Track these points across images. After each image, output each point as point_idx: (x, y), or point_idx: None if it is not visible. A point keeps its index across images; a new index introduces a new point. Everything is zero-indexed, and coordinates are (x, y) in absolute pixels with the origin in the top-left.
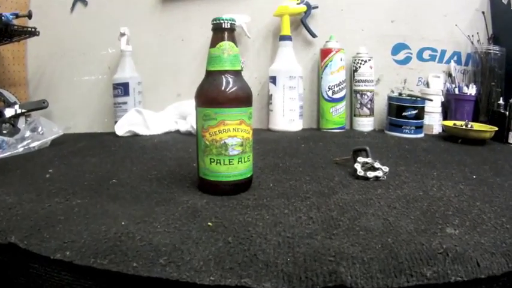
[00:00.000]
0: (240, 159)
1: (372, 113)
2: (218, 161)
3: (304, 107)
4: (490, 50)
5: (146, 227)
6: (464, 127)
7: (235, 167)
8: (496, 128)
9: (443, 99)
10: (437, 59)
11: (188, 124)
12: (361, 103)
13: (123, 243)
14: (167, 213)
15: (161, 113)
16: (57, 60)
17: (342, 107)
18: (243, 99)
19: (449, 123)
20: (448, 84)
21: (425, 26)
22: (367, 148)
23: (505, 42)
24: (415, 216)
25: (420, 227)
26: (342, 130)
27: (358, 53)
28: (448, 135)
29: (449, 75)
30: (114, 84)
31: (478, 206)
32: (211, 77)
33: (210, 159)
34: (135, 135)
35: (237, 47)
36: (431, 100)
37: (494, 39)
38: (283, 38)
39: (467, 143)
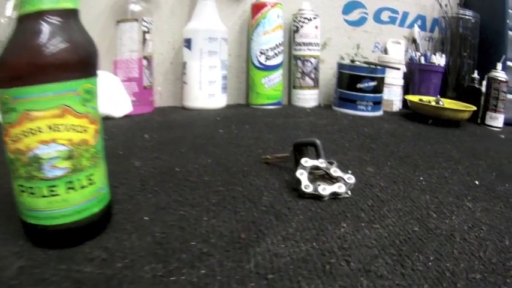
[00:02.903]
0: (70, 185)
1: (316, 85)
2: (31, 190)
3: (229, 78)
4: (461, 15)
5: None
6: (435, 104)
7: (62, 200)
8: (475, 108)
9: (405, 70)
10: (397, 22)
11: None
12: (302, 72)
13: None
14: None
15: None
16: None
17: (277, 76)
18: (66, 63)
19: (414, 98)
20: (411, 52)
21: None
22: (318, 142)
23: (477, 7)
24: None
25: None
26: (278, 106)
27: (300, 10)
28: (413, 114)
29: (413, 41)
30: None
31: (509, 248)
32: (21, 27)
33: (19, 186)
34: None
35: None
36: (397, 69)
37: (465, 4)
38: None
39: (439, 124)
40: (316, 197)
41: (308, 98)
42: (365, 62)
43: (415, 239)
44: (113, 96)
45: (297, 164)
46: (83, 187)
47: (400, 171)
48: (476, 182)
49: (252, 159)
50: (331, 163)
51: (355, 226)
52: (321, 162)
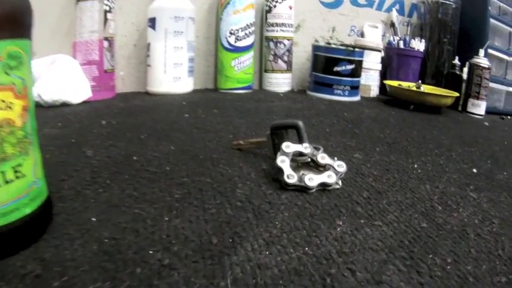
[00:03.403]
0: None
1: (289, 68)
2: None
3: (196, 61)
4: (441, 0)
5: None
6: (416, 90)
7: None
8: (457, 94)
9: (383, 54)
10: (375, 6)
11: (35, 92)
12: (275, 54)
13: None
14: None
15: None
16: None
17: (248, 59)
18: None
19: (394, 83)
20: (389, 37)
21: None
22: (300, 124)
23: None
24: None
25: None
26: (249, 91)
27: None
28: (393, 99)
29: (392, 25)
30: None
31: None
32: None
33: None
34: None
35: None
36: (378, 50)
37: None
38: None
39: (421, 110)
40: (302, 188)
41: (280, 82)
42: (342, 44)
43: (425, 237)
44: (71, 80)
45: (276, 149)
46: (8, 181)
47: (391, 158)
48: (474, 170)
49: (222, 146)
50: (317, 148)
51: (353, 224)
52: (305, 148)
